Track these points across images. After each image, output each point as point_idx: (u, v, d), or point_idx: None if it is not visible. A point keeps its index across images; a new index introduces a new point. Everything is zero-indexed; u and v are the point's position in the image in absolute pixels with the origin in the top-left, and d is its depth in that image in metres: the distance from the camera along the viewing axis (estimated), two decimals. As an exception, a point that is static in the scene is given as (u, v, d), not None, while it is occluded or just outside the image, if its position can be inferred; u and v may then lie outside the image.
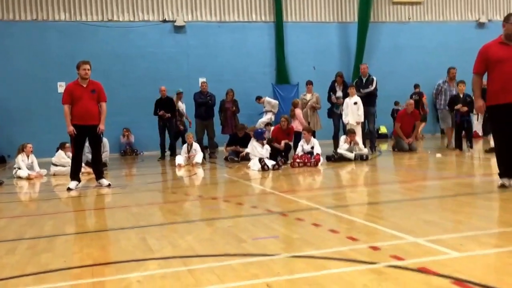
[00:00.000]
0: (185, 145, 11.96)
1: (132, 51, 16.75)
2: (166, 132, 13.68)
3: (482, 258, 3.27)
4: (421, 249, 3.53)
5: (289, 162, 10.32)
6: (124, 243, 4.21)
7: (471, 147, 11.27)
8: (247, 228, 4.60)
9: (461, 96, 11.30)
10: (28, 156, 10.71)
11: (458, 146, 11.28)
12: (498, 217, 4.69)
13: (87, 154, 9.99)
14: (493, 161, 6.27)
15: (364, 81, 12.13)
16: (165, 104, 13.47)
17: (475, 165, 9.46)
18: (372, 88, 11.97)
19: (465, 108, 11.05)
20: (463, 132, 11.49)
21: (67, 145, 11.03)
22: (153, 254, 3.77)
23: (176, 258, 3.63)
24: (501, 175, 5.92)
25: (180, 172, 10.43)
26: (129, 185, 8.74)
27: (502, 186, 5.82)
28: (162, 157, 13.62)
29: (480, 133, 16.02)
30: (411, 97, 17.64)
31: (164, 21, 17.19)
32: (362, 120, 11.63)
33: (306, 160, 9.90)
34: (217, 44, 17.37)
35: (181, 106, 14.82)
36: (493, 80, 5.81)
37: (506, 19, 5.78)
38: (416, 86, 17.77)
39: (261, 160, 9.70)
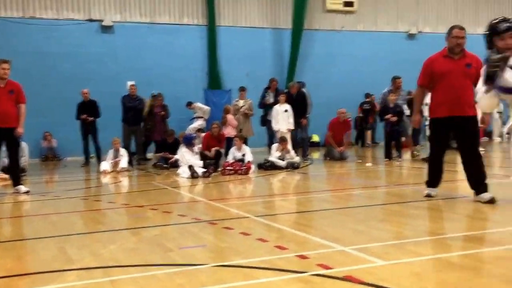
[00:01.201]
0: (111, 151, 11.54)
1: (55, 50, 15.95)
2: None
3: (407, 266, 3.33)
4: (348, 258, 3.58)
5: (219, 169, 10.23)
6: (42, 253, 4.02)
7: (399, 156, 11.58)
8: (174, 237, 4.50)
9: (391, 106, 11.54)
10: None
11: (388, 155, 11.46)
12: (424, 225, 4.81)
13: (4, 159, 9.39)
14: (422, 170, 6.46)
15: (294, 97, 12.02)
16: (88, 108, 13.00)
17: (403, 175, 9.73)
18: (310, 110, 12.06)
19: (395, 118, 11.26)
20: (393, 142, 11.60)
21: None
22: (73, 265, 3.61)
23: (98, 269, 3.50)
24: (429, 184, 6.07)
25: (105, 179, 10.09)
26: (49, 192, 8.32)
27: (428, 195, 5.98)
28: (86, 162, 13.11)
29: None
30: (361, 106, 17.83)
31: (91, 20, 16.59)
32: (293, 127, 11.67)
33: (237, 168, 9.84)
34: (146, 46, 16.91)
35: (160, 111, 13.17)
36: (437, 93, 5.85)
37: (449, 33, 5.79)
38: (367, 95, 17.59)
39: (190, 167, 9.55)
